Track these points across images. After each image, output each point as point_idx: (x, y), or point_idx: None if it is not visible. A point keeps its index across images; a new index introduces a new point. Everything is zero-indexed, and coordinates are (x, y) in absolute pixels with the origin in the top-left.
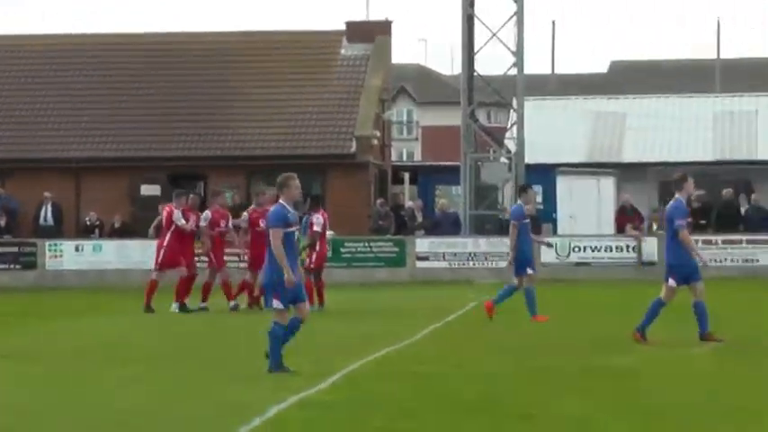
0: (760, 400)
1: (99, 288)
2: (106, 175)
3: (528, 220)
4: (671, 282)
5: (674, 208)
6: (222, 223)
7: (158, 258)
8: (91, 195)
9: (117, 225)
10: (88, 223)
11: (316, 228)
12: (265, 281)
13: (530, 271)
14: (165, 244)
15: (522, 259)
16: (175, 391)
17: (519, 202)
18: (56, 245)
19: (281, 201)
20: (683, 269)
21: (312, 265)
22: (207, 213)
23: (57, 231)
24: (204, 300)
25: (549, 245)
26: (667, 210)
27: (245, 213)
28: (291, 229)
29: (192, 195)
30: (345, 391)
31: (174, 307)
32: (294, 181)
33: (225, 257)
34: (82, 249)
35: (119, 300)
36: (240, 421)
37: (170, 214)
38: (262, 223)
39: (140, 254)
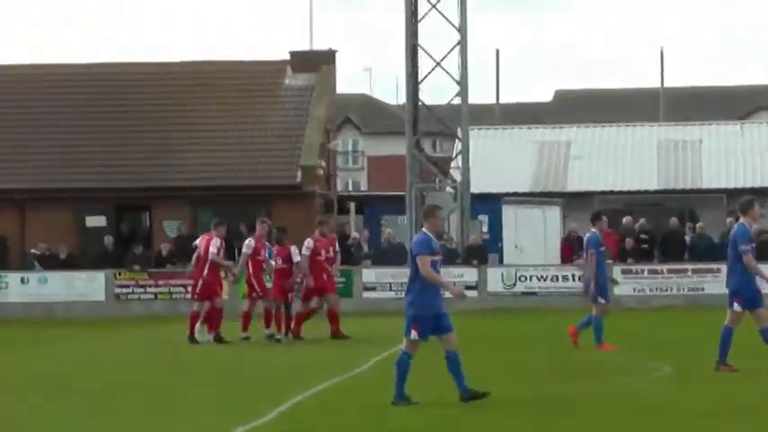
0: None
1: (45, 320)
2: (51, 207)
3: (604, 248)
4: (736, 306)
5: (739, 232)
6: (263, 252)
7: (195, 290)
8: (36, 227)
9: (63, 257)
10: (38, 253)
11: (296, 258)
12: (408, 310)
13: (601, 300)
14: (202, 275)
15: (596, 287)
16: (117, 424)
17: (593, 230)
18: (1, 277)
19: (423, 229)
20: (746, 294)
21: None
22: (250, 241)
23: (1, 263)
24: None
25: (615, 281)
26: (732, 234)
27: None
28: (436, 258)
29: (220, 226)
30: (293, 422)
31: (209, 338)
32: (439, 211)
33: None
34: (27, 281)
35: (64, 332)
36: None
37: (208, 245)
38: (324, 253)
39: (87, 285)
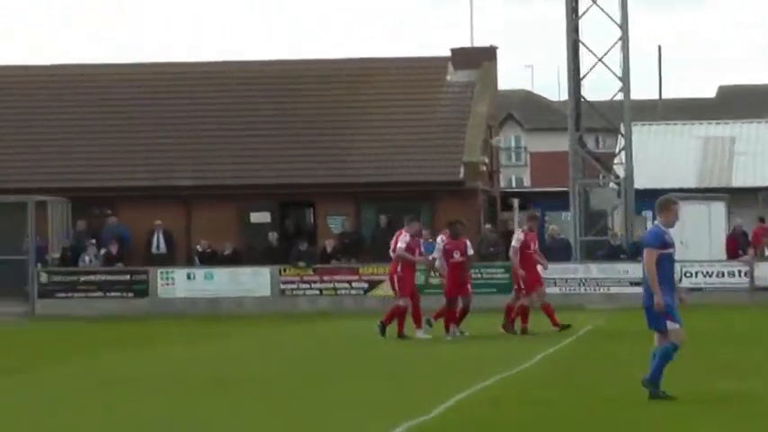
0: None
1: (211, 316)
2: (216, 203)
3: None
4: None
5: None
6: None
7: (393, 286)
8: (201, 223)
9: (227, 252)
10: (200, 250)
11: (471, 251)
12: (649, 303)
13: None
14: (396, 271)
15: None
16: (279, 420)
17: None
18: (168, 272)
19: (657, 222)
20: None
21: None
22: (441, 239)
23: (168, 259)
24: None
25: None
26: None
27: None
28: (668, 251)
29: (412, 222)
30: (459, 418)
31: (419, 334)
32: (675, 206)
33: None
34: (194, 277)
35: (231, 327)
36: None
37: (396, 241)
38: (533, 246)
39: (252, 281)
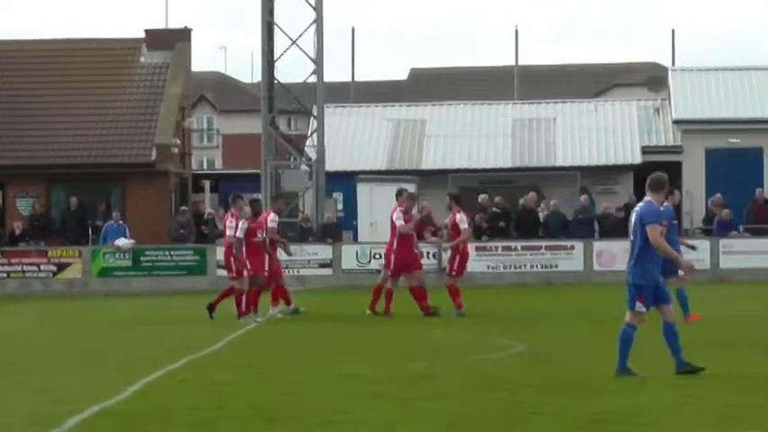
0: (553, 404)
1: None
2: None
3: (676, 222)
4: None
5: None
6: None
7: (230, 267)
8: None
9: None
10: None
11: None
12: (633, 280)
13: (680, 272)
14: (232, 252)
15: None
16: None
17: (666, 204)
18: None
19: (649, 199)
20: None
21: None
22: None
23: None
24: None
25: (693, 247)
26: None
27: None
28: (663, 228)
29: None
30: (146, 401)
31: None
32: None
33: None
34: None
35: None
36: None
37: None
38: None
39: None
